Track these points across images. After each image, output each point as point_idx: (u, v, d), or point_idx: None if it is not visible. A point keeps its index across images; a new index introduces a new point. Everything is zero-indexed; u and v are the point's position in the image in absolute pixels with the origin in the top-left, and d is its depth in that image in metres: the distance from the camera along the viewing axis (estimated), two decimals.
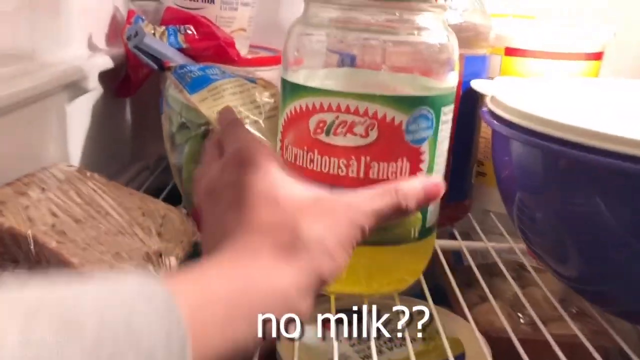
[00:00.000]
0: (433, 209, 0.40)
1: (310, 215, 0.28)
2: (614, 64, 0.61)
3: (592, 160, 0.34)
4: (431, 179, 0.36)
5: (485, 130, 0.57)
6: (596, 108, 0.47)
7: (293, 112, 0.37)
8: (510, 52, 0.57)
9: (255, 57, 0.67)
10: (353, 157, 0.36)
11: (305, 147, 0.36)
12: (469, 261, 0.54)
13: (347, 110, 0.35)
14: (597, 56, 0.57)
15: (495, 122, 0.42)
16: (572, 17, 0.64)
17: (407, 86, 0.38)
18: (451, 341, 0.50)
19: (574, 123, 0.35)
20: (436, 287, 0.57)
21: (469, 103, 0.53)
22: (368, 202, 0.30)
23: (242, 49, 0.66)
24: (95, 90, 0.56)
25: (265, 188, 0.29)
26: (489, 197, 0.59)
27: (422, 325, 0.53)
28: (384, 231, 0.36)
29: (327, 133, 0.36)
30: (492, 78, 0.56)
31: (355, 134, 0.35)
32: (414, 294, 0.55)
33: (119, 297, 0.20)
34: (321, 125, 0.36)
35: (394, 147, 0.35)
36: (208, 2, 0.62)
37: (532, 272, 0.55)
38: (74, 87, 0.50)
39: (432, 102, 0.36)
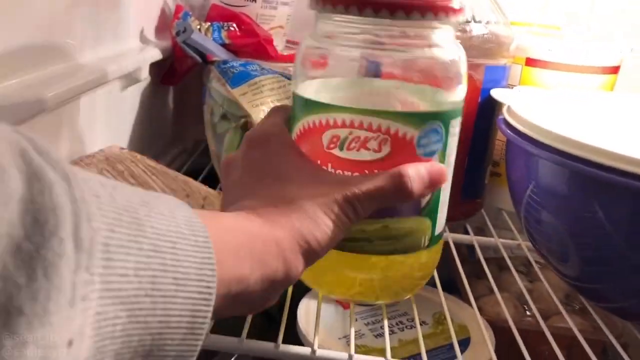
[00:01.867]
0: (441, 216, 0.41)
1: (304, 187, 0.32)
2: (630, 79, 0.64)
3: (593, 173, 0.38)
4: (435, 164, 0.37)
5: (501, 134, 0.60)
6: (606, 120, 0.51)
7: (306, 126, 0.38)
8: (530, 62, 0.60)
9: (291, 54, 0.71)
10: (366, 171, 0.36)
11: (319, 161, 0.37)
12: (479, 255, 0.58)
13: (361, 127, 0.36)
14: (614, 70, 0.60)
15: (508, 131, 0.46)
16: (595, 30, 0.67)
17: (418, 100, 0.38)
18: (458, 327, 0.54)
19: (580, 137, 0.39)
20: (450, 278, 0.61)
21: (487, 109, 0.56)
22: (365, 182, 0.33)
23: (280, 45, 0.71)
24: (145, 79, 0.61)
25: (268, 164, 0.35)
26: (502, 196, 0.63)
27: (432, 311, 0.58)
28: (396, 240, 0.38)
29: (341, 148, 0.36)
30: (512, 86, 0.60)
31: (368, 149, 0.36)
32: (426, 283, 0.59)
33: (174, 222, 0.24)
34: (334, 140, 0.36)
35: (406, 161, 0.35)
36: (250, 0, 0.67)
37: (536, 268, 0.58)
38: (129, 78, 0.55)
39: (442, 117, 0.37)
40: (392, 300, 0.45)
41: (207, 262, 0.24)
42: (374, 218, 0.37)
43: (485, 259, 0.57)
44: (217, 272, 0.25)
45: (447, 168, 0.39)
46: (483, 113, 0.56)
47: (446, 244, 0.59)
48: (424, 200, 0.38)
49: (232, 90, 0.56)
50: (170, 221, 0.24)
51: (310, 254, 0.31)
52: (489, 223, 0.63)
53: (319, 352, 0.40)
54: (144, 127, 0.65)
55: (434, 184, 0.36)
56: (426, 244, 0.40)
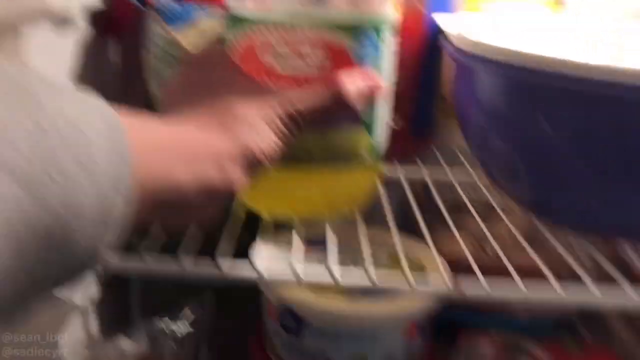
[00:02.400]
0: (380, 130, 0.41)
1: (245, 102, 0.33)
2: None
3: (532, 79, 0.37)
4: (369, 72, 0.38)
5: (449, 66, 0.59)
6: (552, 37, 0.51)
7: (242, 44, 0.38)
8: None
9: None
10: (305, 84, 0.36)
11: (257, 78, 0.37)
12: (434, 195, 0.57)
13: (296, 39, 0.36)
14: None
15: (449, 48, 0.46)
16: (585, 15, 0.66)
17: (350, 12, 0.39)
18: (414, 264, 0.54)
19: (517, 48, 0.39)
20: (406, 220, 0.61)
21: (432, 39, 0.56)
22: (304, 95, 0.34)
23: None
24: (81, 28, 0.59)
25: (208, 82, 0.35)
26: (455, 134, 0.62)
27: (387, 250, 0.57)
28: (336, 153, 0.39)
29: (278, 62, 0.37)
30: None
31: (305, 61, 0.37)
32: (380, 224, 0.58)
33: (84, 110, 0.23)
34: (271, 53, 0.37)
35: (343, 71, 0.36)
36: None
37: (498, 209, 0.58)
38: (57, 20, 0.53)
39: (375, 25, 0.38)
40: (335, 216, 0.45)
41: (122, 155, 0.23)
42: (314, 131, 0.37)
43: (443, 202, 0.56)
44: (138, 169, 0.24)
45: (384, 77, 0.40)
46: (429, 43, 0.55)
47: (399, 184, 0.59)
48: (363, 113, 0.38)
49: (171, 31, 0.54)
50: (81, 110, 0.22)
51: (254, 165, 0.31)
52: (443, 163, 0.62)
53: (267, 275, 0.39)
54: (84, 83, 0.63)
55: (370, 91, 0.37)
56: (366, 157, 0.40)
